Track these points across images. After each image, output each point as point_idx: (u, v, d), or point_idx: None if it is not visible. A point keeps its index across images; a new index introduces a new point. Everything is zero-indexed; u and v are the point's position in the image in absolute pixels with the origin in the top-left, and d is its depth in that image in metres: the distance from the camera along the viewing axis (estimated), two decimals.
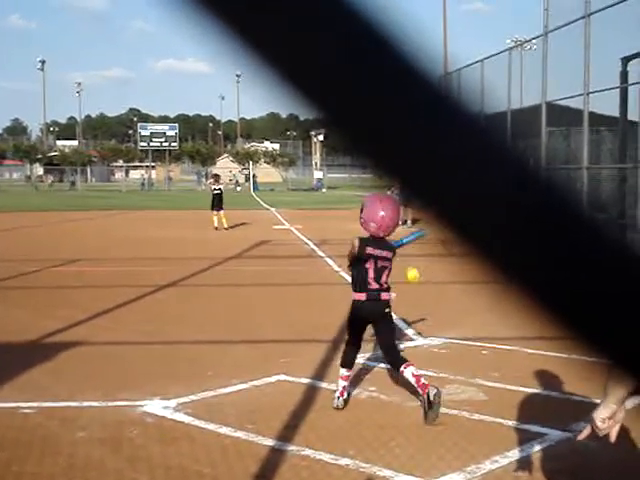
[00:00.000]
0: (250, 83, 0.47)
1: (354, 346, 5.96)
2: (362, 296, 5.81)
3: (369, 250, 5.77)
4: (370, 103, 0.47)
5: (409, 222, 23.68)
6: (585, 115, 16.74)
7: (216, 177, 24.91)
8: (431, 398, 5.40)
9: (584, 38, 16.55)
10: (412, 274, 6.38)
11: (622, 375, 0.53)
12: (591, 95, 16.60)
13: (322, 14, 0.46)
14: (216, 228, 23.14)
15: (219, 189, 23.77)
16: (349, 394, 5.97)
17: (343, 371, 5.89)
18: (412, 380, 5.57)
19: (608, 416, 2.57)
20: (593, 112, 16.98)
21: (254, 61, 0.47)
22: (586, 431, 2.69)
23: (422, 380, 5.53)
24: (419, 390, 5.52)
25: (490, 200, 0.48)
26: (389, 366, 5.96)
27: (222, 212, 23.49)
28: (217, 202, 23.58)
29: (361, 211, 5.81)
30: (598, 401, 2.65)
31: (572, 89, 17.16)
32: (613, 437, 2.62)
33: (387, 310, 5.87)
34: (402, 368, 5.65)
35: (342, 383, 5.85)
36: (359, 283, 5.84)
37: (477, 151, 0.48)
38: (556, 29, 18.68)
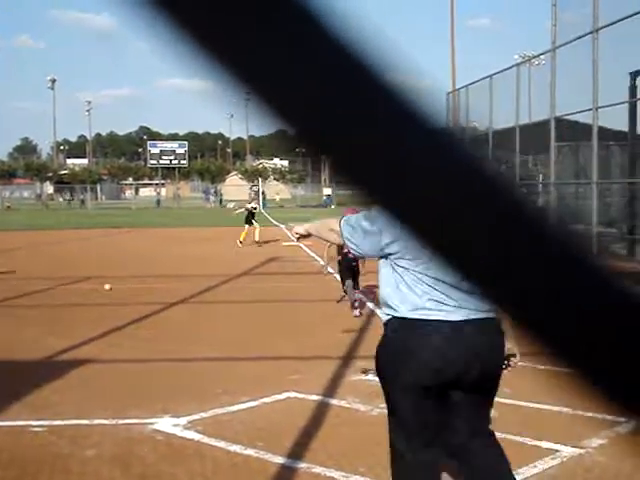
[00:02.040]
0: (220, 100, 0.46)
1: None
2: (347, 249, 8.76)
3: None
4: (357, 130, 0.46)
5: None
6: (594, 130, 16.70)
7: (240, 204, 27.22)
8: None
9: (592, 53, 16.54)
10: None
11: None
12: (600, 110, 16.58)
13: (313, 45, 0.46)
14: (240, 242, 23.53)
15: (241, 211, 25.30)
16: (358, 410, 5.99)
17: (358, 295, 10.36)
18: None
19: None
20: (602, 127, 16.95)
21: (232, 81, 0.46)
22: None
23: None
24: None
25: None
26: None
27: (247, 227, 24.24)
28: (247, 219, 24.61)
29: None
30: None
31: (581, 104, 17.14)
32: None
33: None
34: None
35: (358, 295, 10.39)
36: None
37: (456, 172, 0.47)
38: (564, 44, 18.69)
